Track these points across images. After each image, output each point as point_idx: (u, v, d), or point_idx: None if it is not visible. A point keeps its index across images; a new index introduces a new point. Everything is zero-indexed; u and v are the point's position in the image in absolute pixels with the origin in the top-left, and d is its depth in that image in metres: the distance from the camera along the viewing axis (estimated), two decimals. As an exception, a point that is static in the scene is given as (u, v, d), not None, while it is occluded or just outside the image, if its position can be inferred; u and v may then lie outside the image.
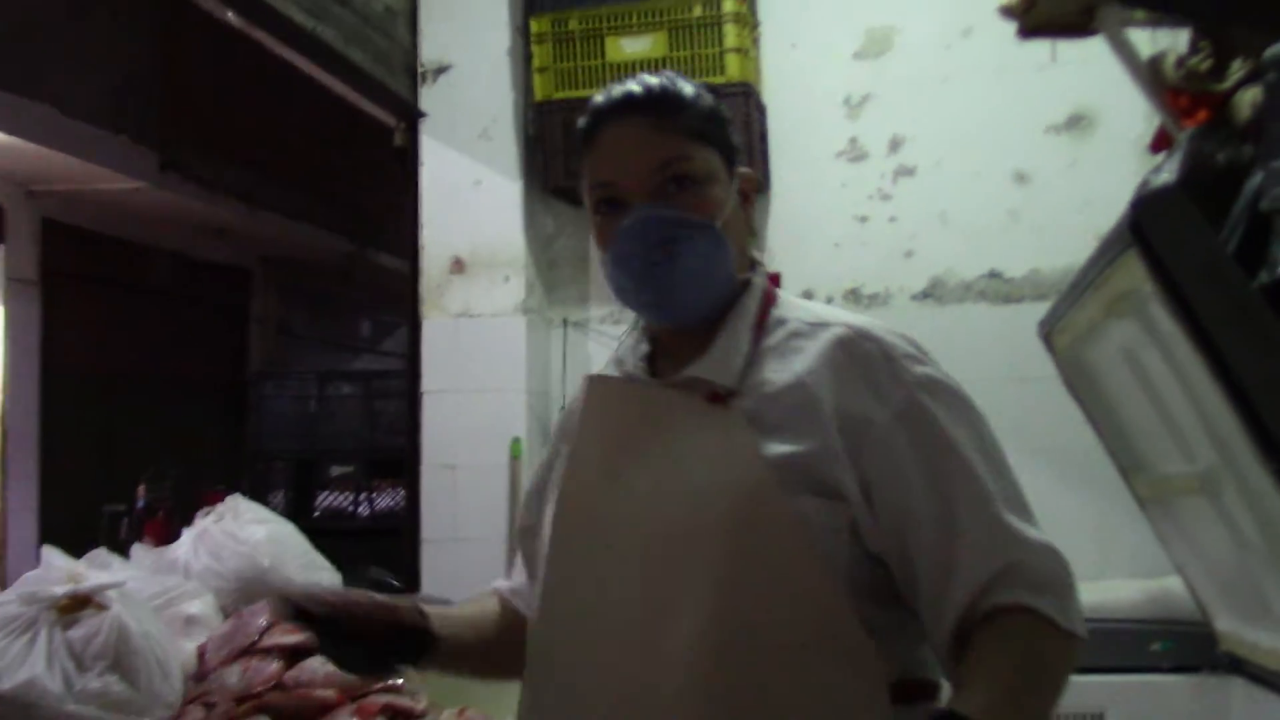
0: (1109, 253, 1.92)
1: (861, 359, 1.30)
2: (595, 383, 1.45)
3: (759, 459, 1.24)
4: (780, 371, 1.32)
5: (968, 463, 1.24)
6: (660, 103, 1.35)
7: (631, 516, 1.29)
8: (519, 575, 1.52)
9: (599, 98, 1.39)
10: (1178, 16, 1.47)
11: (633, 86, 1.37)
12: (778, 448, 1.25)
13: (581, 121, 1.39)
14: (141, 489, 4.20)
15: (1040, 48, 3.44)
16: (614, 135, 1.35)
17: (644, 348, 1.44)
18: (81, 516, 4.68)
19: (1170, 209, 1.72)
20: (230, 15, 3.92)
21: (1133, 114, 3.86)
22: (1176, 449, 2.34)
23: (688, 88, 1.38)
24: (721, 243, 1.33)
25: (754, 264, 1.42)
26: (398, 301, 8.44)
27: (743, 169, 1.41)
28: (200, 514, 2.97)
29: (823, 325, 1.35)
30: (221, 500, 2.97)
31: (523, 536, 1.51)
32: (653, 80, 1.38)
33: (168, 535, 3.41)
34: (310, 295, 7.89)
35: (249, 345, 6.93)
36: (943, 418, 1.26)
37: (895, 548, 1.24)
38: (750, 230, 1.43)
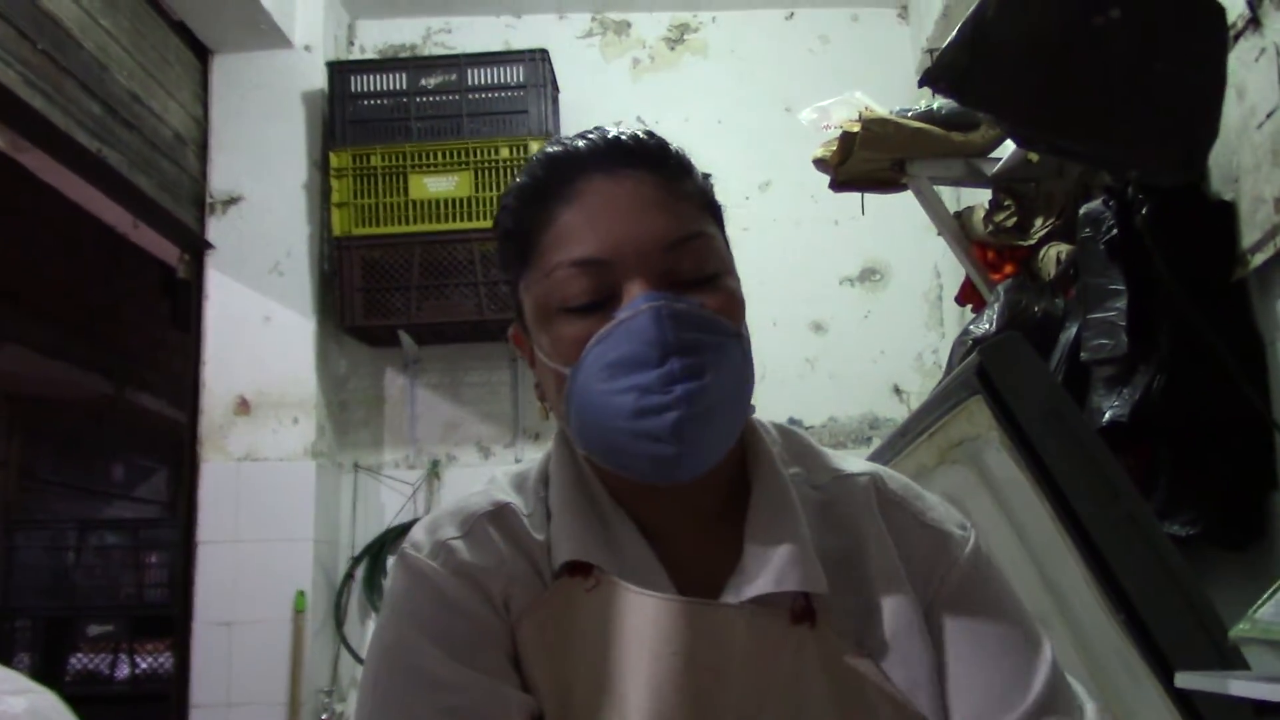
0: (949, 401, 1.93)
1: (907, 539, 1.05)
2: (635, 603, 0.96)
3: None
4: (841, 564, 1.01)
5: (1012, 659, 1.03)
6: (663, 158, 1.00)
7: None
8: None
9: (556, 146, 1.01)
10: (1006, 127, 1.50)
11: (617, 132, 1.00)
12: (919, 698, 0.97)
13: (528, 176, 1.01)
14: None
15: (835, 203, 3.56)
16: (601, 194, 0.96)
17: (633, 530, 1.01)
18: None
19: (1014, 354, 1.74)
20: (-6, 136, 3.64)
21: (922, 269, 4.05)
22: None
23: (676, 146, 1.04)
24: (749, 359, 0.99)
25: None
26: (158, 445, 8.02)
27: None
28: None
29: (841, 478, 1.08)
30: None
31: None
32: (639, 130, 1.01)
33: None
34: (59, 438, 7.31)
35: (-14, 492, 6.31)
36: (984, 606, 1.03)
37: None
38: None
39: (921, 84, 1.42)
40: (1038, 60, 1.25)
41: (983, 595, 1.02)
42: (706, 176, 1.05)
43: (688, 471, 0.93)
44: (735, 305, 0.98)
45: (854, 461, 1.11)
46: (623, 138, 0.99)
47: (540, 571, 0.99)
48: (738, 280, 1.02)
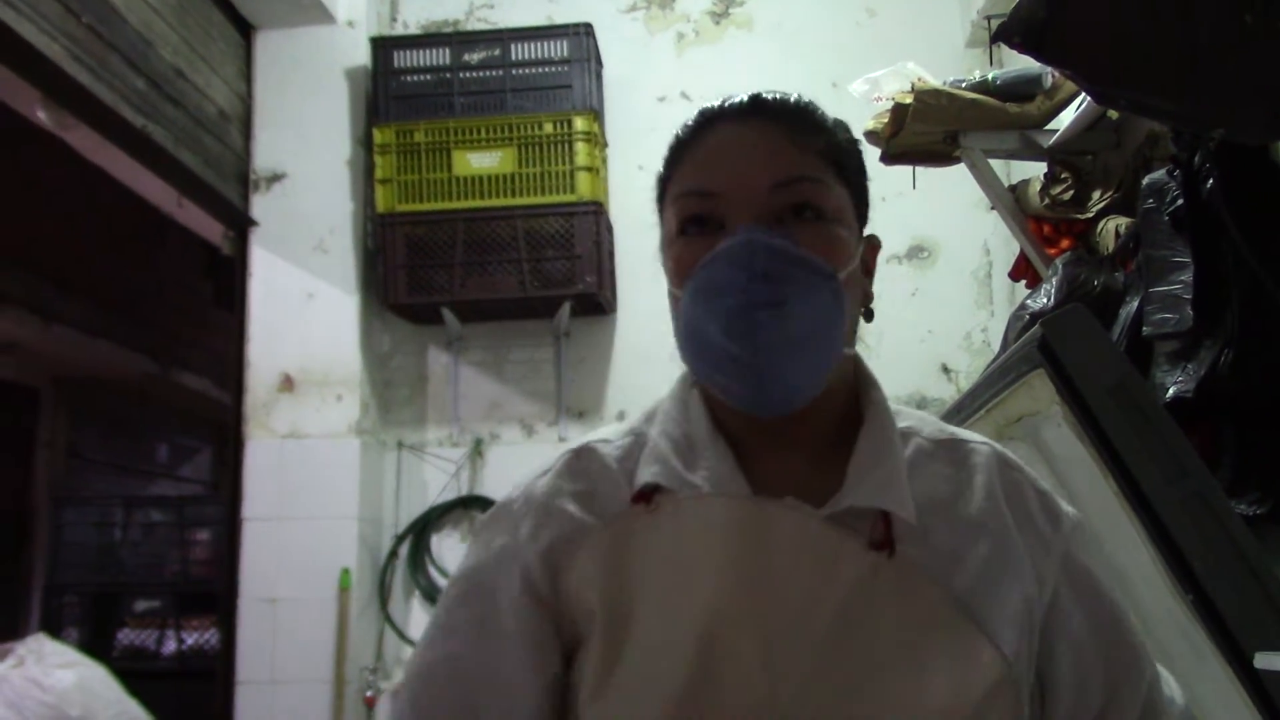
0: (1008, 376, 1.88)
1: (1021, 497, 1.07)
2: (702, 504, 1.02)
3: (1000, 674, 0.97)
4: (940, 507, 1.03)
5: (1128, 629, 1.08)
6: (796, 114, 1.06)
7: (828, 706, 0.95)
8: None
9: (711, 104, 1.10)
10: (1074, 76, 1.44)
11: (765, 92, 1.08)
12: (1000, 639, 0.98)
13: (682, 130, 1.10)
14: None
15: (882, 180, 3.48)
16: (726, 137, 1.05)
17: (724, 448, 1.05)
18: None
19: (1078, 327, 1.69)
20: (41, 115, 3.65)
21: (971, 246, 3.98)
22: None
23: (826, 113, 1.10)
24: (842, 302, 1.00)
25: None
26: (201, 424, 8.08)
27: (872, 235, 1.12)
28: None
29: (957, 441, 1.10)
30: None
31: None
32: (790, 93, 1.09)
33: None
34: (104, 417, 7.38)
35: (34, 470, 6.38)
36: (1099, 574, 1.07)
37: None
38: (868, 309, 1.10)
39: (995, 39, 1.37)
40: (1118, 12, 1.21)
41: (1101, 582, 1.07)
42: (852, 142, 1.10)
43: (773, 397, 0.99)
44: (835, 248, 1.02)
45: (971, 433, 1.14)
46: (766, 96, 1.07)
47: (617, 497, 1.05)
48: (855, 233, 1.06)
